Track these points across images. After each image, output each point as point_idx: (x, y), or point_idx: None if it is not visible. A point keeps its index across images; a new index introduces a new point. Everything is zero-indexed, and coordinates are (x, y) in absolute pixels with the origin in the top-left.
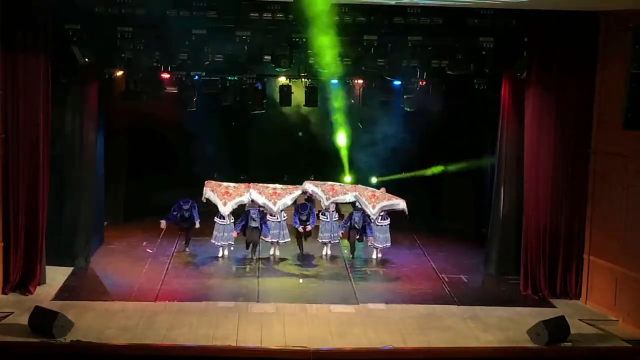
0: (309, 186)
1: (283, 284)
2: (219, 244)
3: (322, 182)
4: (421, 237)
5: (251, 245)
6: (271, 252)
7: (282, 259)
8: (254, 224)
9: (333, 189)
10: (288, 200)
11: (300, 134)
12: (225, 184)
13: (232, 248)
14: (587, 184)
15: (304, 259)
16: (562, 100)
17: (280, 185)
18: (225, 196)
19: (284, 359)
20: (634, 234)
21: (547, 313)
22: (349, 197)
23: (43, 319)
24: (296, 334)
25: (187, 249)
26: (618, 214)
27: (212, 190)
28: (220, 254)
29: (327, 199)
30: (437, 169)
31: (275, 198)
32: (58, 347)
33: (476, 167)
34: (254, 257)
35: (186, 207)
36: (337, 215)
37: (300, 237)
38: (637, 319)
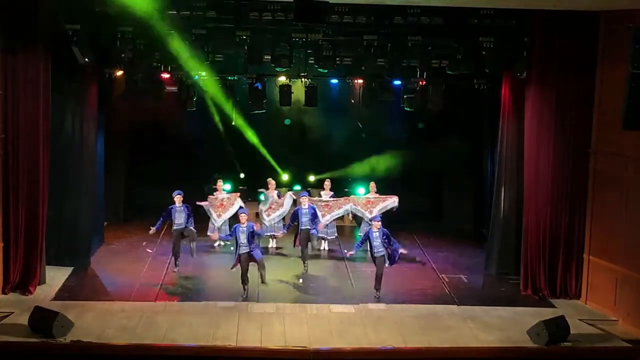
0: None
1: (283, 284)
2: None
3: (317, 199)
4: (421, 237)
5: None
6: (270, 245)
7: (281, 254)
8: (243, 250)
9: (328, 205)
10: (280, 213)
11: (287, 122)
12: (220, 196)
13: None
14: (587, 183)
15: (304, 259)
16: (562, 101)
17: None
18: (219, 209)
19: (284, 359)
20: (634, 234)
21: (547, 313)
22: (343, 211)
23: (43, 319)
24: (296, 334)
25: (176, 270)
26: (618, 214)
27: (209, 205)
28: (216, 244)
29: (323, 216)
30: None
31: (270, 211)
32: (58, 347)
33: (476, 167)
34: (245, 293)
35: (180, 215)
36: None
37: (304, 249)
38: (637, 319)
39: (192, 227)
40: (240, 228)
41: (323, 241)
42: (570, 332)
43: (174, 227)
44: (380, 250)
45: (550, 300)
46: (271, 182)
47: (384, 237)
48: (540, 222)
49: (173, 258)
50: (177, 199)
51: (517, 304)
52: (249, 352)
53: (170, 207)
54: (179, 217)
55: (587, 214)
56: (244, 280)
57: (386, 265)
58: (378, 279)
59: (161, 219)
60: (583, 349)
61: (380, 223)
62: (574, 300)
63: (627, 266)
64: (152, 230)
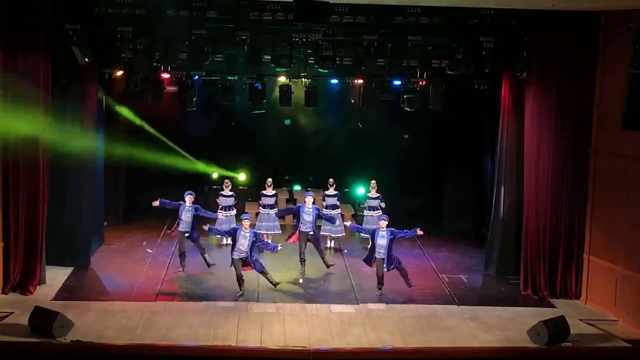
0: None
1: (283, 284)
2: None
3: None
4: (421, 237)
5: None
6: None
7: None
8: (236, 255)
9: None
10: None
11: (287, 122)
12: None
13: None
14: (587, 184)
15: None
16: (562, 100)
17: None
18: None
19: (284, 359)
20: (633, 234)
21: (547, 313)
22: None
23: (43, 319)
24: (296, 334)
25: (181, 270)
26: (618, 214)
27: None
28: (225, 242)
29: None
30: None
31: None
32: (58, 347)
33: (476, 167)
34: (242, 292)
35: (187, 215)
36: (339, 210)
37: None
38: (637, 319)
39: (198, 239)
40: (242, 233)
41: (329, 240)
42: (570, 332)
43: (179, 228)
44: (381, 251)
45: (550, 300)
46: (269, 181)
47: (391, 236)
48: (540, 222)
49: (179, 259)
50: (188, 199)
51: (517, 304)
52: (249, 352)
53: (180, 203)
54: (186, 217)
55: (587, 214)
56: (240, 282)
57: (385, 270)
58: (380, 279)
59: (170, 203)
60: (583, 349)
61: (386, 222)
62: (574, 300)
63: (627, 266)
64: (156, 202)
